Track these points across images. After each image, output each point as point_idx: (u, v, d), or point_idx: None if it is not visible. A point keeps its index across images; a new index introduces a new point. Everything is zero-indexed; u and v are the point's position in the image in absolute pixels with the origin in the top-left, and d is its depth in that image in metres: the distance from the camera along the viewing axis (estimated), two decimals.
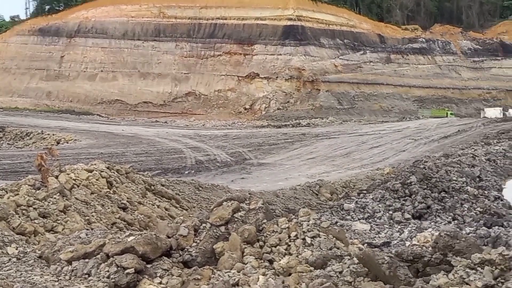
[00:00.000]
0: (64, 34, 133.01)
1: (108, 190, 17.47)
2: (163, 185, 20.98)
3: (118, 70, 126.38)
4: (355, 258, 9.74)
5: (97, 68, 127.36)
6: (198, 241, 10.96)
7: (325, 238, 10.84)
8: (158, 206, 18.55)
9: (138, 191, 18.68)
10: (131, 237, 10.38)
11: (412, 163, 38.39)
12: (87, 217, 15.40)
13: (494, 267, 8.71)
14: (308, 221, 11.18)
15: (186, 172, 39.45)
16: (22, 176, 23.36)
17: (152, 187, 19.77)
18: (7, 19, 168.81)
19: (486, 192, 28.34)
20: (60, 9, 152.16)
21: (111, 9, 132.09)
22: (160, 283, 9.74)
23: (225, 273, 10.00)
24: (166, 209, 18.72)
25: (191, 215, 16.45)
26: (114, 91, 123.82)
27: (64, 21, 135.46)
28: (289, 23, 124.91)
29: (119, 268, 9.71)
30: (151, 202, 18.54)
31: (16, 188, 15.37)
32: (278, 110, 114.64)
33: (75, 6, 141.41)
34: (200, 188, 24.31)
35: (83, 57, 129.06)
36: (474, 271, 8.58)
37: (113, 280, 9.55)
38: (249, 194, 19.57)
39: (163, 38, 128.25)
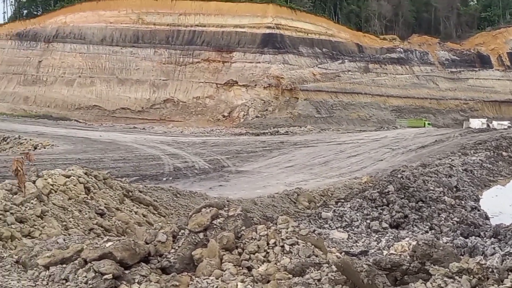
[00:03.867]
0: (42, 39, 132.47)
1: (85, 196, 17.34)
2: (141, 192, 20.88)
3: (96, 76, 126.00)
4: (333, 266, 9.74)
5: (75, 73, 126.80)
6: (176, 248, 10.93)
7: (303, 246, 10.83)
8: (136, 213, 18.45)
9: (115, 197, 18.57)
10: (109, 243, 10.32)
11: (390, 173, 38.59)
12: (64, 223, 15.28)
13: (471, 276, 8.75)
14: (287, 229, 11.17)
15: (164, 178, 39.24)
16: None
17: (130, 193, 19.66)
18: None
19: (463, 202, 28.53)
20: (38, 13, 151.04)
21: (90, 15, 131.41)
22: None
23: (204, 279, 9.97)
24: (144, 216, 18.62)
25: (169, 222, 16.39)
26: (92, 96, 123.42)
27: (42, 26, 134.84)
28: (268, 31, 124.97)
29: (97, 274, 9.67)
30: (129, 209, 18.43)
31: None
32: (257, 118, 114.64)
33: (53, 11, 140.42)
34: (178, 195, 24.22)
35: (61, 62, 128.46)
36: (452, 280, 8.61)
37: (90, 285, 9.51)
38: (228, 201, 19.52)
39: (141, 44, 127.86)
